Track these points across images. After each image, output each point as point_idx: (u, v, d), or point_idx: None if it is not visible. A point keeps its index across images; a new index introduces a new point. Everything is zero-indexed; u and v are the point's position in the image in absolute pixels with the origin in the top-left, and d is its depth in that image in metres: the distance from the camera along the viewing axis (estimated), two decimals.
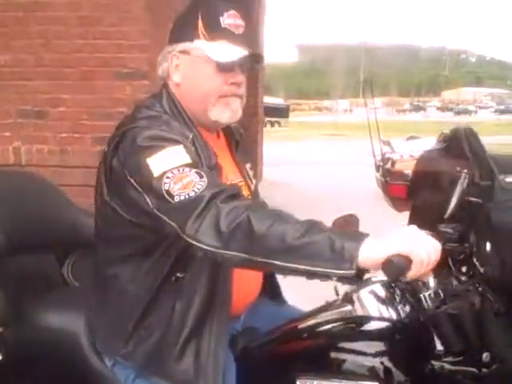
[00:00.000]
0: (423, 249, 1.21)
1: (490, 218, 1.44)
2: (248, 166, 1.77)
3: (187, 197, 1.32)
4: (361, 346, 1.51)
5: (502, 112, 62.62)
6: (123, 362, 1.57)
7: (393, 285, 1.53)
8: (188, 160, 1.38)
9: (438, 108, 74.84)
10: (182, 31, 1.56)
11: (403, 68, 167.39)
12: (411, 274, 1.22)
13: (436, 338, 1.43)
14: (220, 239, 1.28)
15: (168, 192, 1.34)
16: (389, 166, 8.60)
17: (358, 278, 1.23)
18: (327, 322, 1.56)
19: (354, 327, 1.53)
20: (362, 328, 1.52)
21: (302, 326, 1.60)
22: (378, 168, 9.20)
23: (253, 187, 1.75)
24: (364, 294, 1.53)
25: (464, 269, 1.48)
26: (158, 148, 1.39)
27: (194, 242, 1.31)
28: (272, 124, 36.20)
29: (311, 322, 1.59)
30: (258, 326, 1.68)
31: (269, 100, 32.42)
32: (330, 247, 1.20)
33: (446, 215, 1.50)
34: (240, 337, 1.64)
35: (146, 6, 3.91)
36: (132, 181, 1.41)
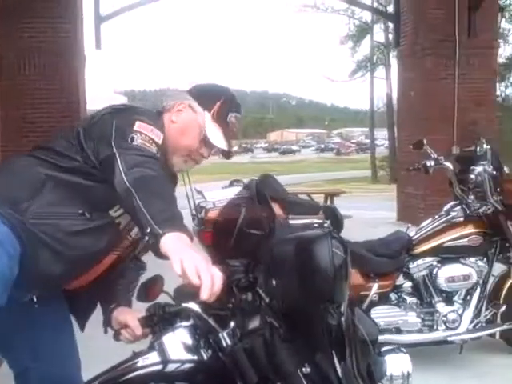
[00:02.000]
0: (206, 271, 1.46)
1: (272, 250, 1.59)
2: None
3: (142, 146, 1.72)
4: None
5: (322, 150, 67.13)
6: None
7: (197, 330, 1.62)
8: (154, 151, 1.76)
9: (265, 149, 78.06)
10: (203, 98, 1.97)
11: None
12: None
13: (236, 373, 1.54)
14: (127, 168, 1.64)
15: (132, 138, 1.72)
16: (202, 214, 8.71)
17: (157, 254, 1.56)
18: (133, 370, 1.61)
19: (158, 371, 1.59)
20: (166, 371, 1.58)
21: (109, 375, 1.64)
22: (193, 218, 9.32)
23: None
24: (167, 339, 1.61)
25: (249, 298, 1.61)
26: (147, 121, 1.79)
27: (115, 152, 1.68)
28: None
29: (118, 371, 1.63)
30: None
31: None
32: (168, 218, 1.55)
33: (230, 246, 1.68)
34: None
35: None
36: (114, 121, 1.76)
